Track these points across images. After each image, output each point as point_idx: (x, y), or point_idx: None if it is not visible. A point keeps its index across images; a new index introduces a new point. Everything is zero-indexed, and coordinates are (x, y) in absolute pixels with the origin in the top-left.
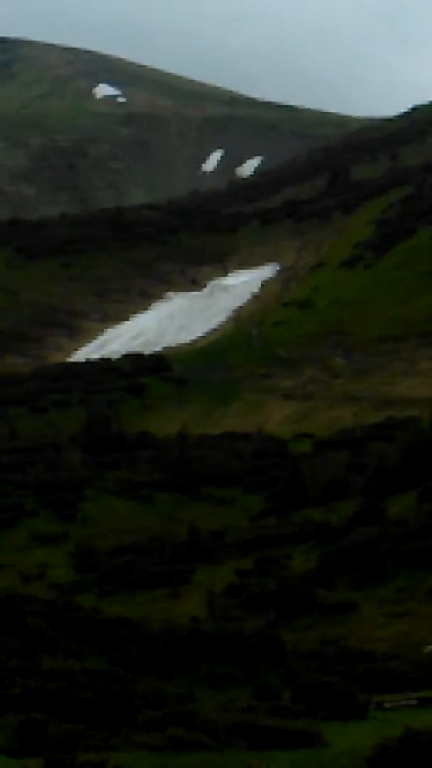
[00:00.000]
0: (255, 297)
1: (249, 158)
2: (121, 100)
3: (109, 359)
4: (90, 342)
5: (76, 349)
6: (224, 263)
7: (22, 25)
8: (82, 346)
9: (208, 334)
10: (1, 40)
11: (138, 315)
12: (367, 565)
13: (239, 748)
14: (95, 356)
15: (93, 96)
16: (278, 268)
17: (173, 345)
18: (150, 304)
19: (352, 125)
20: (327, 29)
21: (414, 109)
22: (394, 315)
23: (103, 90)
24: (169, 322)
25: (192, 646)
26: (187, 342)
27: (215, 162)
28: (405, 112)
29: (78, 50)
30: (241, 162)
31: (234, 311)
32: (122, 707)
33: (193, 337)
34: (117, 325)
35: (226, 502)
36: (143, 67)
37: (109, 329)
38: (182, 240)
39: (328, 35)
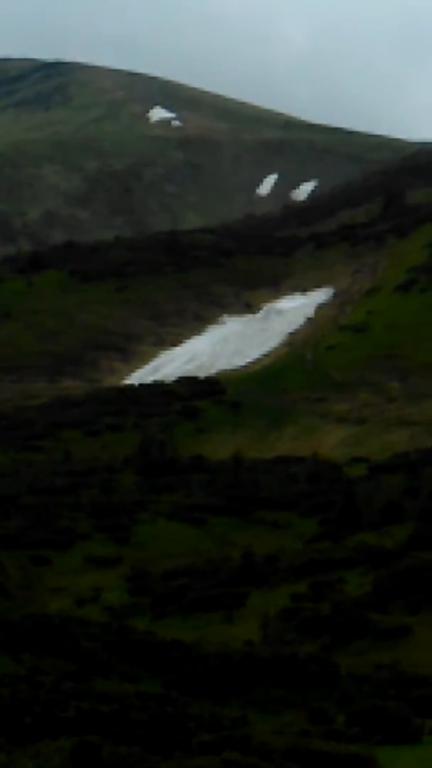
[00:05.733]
0: (309, 321)
1: (304, 182)
2: (175, 123)
3: (163, 383)
4: (144, 365)
5: (131, 373)
6: (279, 287)
7: (77, 49)
8: (137, 369)
9: (263, 357)
10: (56, 64)
11: (192, 338)
12: (422, 590)
13: None
14: (149, 380)
15: (148, 120)
16: (333, 291)
17: (227, 369)
18: (204, 328)
19: (407, 149)
20: (381, 53)
21: None
22: None
23: (157, 114)
24: (223, 345)
25: (246, 670)
26: (242, 366)
27: (270, 186)
28: None
29: (133, 74)
30: (295, 186)
31: (288, 335)
32: (176, 730)
33: (248, 361)
34: (171, 349)
35: (281, 525)
36: (198, 90)
37: (163, 353)
38: (237, 264)
39: (383, 59)
